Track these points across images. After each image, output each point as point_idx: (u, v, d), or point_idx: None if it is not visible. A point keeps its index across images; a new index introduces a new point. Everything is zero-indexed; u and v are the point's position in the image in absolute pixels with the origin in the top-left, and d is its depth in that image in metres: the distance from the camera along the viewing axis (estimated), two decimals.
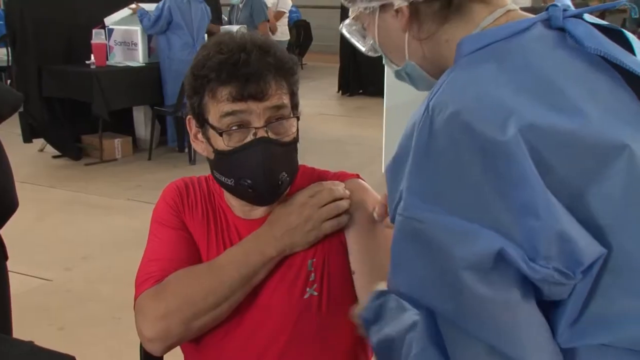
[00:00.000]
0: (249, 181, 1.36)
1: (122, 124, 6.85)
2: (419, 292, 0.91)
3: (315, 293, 1.42)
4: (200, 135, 1.43)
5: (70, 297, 3.80)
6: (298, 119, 1.42)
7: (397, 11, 1.03)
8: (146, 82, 6.57)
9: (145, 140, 6.86)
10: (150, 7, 6.57)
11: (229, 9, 8.98)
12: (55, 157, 6.61)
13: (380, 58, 1.15)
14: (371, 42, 1.13)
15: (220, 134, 1.35)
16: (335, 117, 9.08)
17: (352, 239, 1.45)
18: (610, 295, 0.87)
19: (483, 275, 0.85)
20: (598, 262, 0.85)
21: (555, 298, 0.88)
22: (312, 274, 1.43)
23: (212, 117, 1.37)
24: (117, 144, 6.63)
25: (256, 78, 1.33)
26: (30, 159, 6.48)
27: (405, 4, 1.01)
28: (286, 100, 1.38)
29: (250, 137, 1.35)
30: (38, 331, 3.18)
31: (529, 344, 0.87)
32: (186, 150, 6.62)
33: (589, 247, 0.84)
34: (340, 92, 10.57)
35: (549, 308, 0.90)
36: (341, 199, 1.43)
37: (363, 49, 1.17)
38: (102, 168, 6.34)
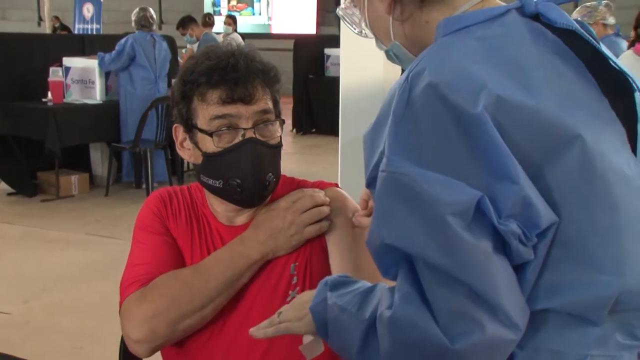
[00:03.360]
0: (238, 180, 1.41)
1: (79, 161, 6.81)
2: (404, 240, 0.95)
3: (298, 296, 1.46)
4: (186, 142, 1.48)
5: (30, 329, 3.75)
6: (283, 122, 1.48)
7: None
8: (103, 119, 6.54)
9: (102, 177, 6.81)
10: None
11: (183, 50, 9.04)
12: (10, 194, 6.51)
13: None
14: (363, 24, 1.21)
15: (211, 135, 1.40)
16: (291, 154, 9.15)
17: (333, 243, 1.50)
18: (560, 265, 0.96)
19: (466, 223, 0.92)
20: (552, 229, 0.94)
21: (521, 259, 0.95)
22: (295, 277, 1.47)
23: (201, 120, 1.42)
24: (74, 181, 6.56)
25: (244, 82, 1.39)
26: None
27: None
28: (271, 105, 1.45)
29: (239, 138, 1.41)
30: None
31: (504, 290, 0.93)
32: (143, 186, 6.60)
33: (545, 213, 0.93)
34: (294, 130, 10.68)
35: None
36: (322, 204, 1.49)
37: (355, 31, 1.26)
38: (58, 204, 6.26)
